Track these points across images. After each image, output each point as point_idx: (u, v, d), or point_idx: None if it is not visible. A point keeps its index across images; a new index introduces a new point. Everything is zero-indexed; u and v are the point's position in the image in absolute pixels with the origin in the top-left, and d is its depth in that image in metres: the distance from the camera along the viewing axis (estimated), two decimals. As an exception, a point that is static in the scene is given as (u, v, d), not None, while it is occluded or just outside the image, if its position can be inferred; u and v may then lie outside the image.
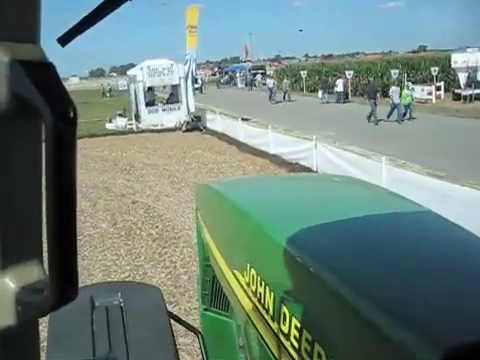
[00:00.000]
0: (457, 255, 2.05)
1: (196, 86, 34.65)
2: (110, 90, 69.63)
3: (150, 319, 2.52)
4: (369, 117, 26.77)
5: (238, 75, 74.13)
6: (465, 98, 33.00)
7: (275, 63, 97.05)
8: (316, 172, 14.43)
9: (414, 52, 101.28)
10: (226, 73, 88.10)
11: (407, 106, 26.61)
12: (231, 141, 22.20)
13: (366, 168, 12.74)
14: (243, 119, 24.95)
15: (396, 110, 26.27)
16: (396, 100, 26.43)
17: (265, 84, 62.50)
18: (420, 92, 34.60)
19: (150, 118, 29.28)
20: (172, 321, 2.74)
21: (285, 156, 17.40)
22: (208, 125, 27.22)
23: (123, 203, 13.07)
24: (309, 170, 15.03)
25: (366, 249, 2.13)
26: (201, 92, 56.60)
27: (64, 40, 0.78)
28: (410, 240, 2.21)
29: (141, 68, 29.53)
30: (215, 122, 26.56)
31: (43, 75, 0.53)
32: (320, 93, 42.31)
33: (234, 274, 2.78)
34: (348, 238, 2.24)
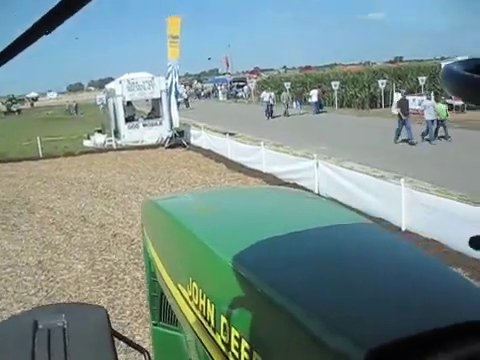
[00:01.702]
0: (387, 262, 2.17)
1: (179, 100, 32.99)
2: (76, 107, 66.43)
3: (92, 339, 2.44)
4: (397, 137, 22.50)
5: (219, 88, 73.02)
6: (457, 108, 31.91)
7: (254, 75, 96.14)
8: (318, 194, 12.90)
9: (391, 62, 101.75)
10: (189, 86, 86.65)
11: (441, 122, 22.66)
12: (218, 159, 20.64)
13: (379, 191, 11.24)
14: (229, 134, 23.56)
15: (428, 127, 22.36)
16: (431, 116, 22.32)
17: (250, 96, 61.63)
18: (411, 102, 33.31)
19: (130, 134, 27.74)
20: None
21: (281, 175, 15.81)
22: (192, 141, 25.67)
23: (102, 236, 11.33)
24: (309, 192, 13.51)
25: (301, 260, 2.19)
26: (187, 106, 54.75)
27: None
28: (344, 249, 2.32)
29: (120, 81, 27.93)
30: (200, 138, 24.97)
31: None
32: (294, 104, 42.48)
33: (178, 288, 2.83)
34: (284, 248, 2.32)
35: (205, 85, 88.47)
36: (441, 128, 22.69)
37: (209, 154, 22.08)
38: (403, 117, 22.59)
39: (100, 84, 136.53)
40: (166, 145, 25.57)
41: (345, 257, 2.20)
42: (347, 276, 1.97)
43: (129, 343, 3.09)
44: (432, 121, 22.27)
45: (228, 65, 77.00)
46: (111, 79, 38.44)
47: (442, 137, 22.54)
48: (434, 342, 1.42)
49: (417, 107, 32.29)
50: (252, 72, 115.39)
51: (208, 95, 76.65)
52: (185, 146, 25.06)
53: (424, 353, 1.40)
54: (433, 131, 22.33)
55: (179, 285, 2.81)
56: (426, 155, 18.71)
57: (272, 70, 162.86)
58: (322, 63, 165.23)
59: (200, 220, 3.18)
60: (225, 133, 23.10)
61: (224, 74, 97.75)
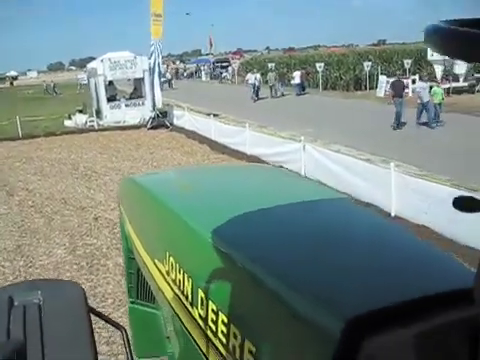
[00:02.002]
0: (364, 235, 2.20)
1: (163, 80, 32.24)
2: (54, 87, 64.83)
3: (68, 315, 2.37)
4: (398, 121, 21.33)
5: (202, 68, 72.45)
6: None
7: (237, 56, 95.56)
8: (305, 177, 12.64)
9: (375, 45, 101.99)
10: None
11: (438, 106, 21.60)
12: (202, 140, 20.27)
13: (368, 175, 10.99)
14: (213, 115, 23.19)
15: (425, 111, 21.14)
16: (426, 98, 21.07)
17: (233, 76, 61.02)
18: (396, 86, 33.05)
19: (112, 114, 27.14)
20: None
21: (266, 158, 15.40)
22: (175, 122, 25.25)
23: (84, 219, 10.99)
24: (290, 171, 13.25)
25: (278, 234, 2.20)
26: (170, 86, 53.63)
27: None
28: (321, 224, 2.35)
29: (102, 60, 27.22)
30: (183, 119, 24.56)
31: None
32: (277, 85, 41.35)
33: (155, 264, 2.81)
34: (260, 223, 2.33)
35: (187, 65, 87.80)
36: (436, 112, 21.61)
37: (192, 135, 21.70)
38: (395, 99, 21.71)
39: (81, 64, 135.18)
40: (148, 126, 25.11)
41: (321, 231, 2.23)
42: (324, 250, 1.99)
43: (105, 319, 3.01)
44: (427, 103, 21.18)
45: (211, 45, 76.09)
46: (92, 59, 37.77)
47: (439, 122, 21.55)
48: (411, 311, 1.44)
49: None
50: (235, 53, 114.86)
51: (191, 75, 75.98)
52: (168, 127, 24.65)
53: (402, 322, 1.42)
54: (432, 114, 21.27)
55: (156, 261, 2.81)
56: (416, 138, 18.46)
57: (255, 51, 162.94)
58: (305, 45, 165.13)
59: (178, 196, 3.20)
60: (209, 114, 22.76)
61: (207, 55, 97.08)
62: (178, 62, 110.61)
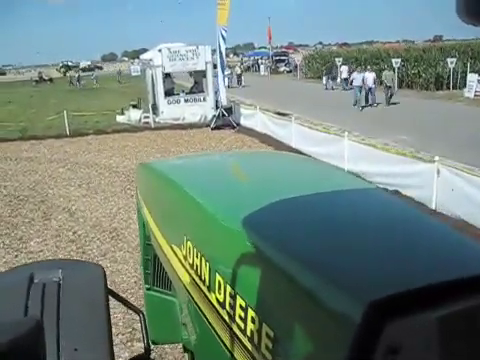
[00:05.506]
0: (387, 221, 2.12)
1: (227, 73, 28.49)
2: (79, 78, 61.62)
3: (86, 295, 2.32)
4: None
5: (261, 61, 69.54)
6: None
7: (290, 50, 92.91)
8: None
9: (431, 41, 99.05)
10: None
11: None
12: (279, 146, 16.80)
13: None
14: (280, 113, 20.10)
15: None
16: None
17: (289, 71, 57.17)
18: (486, 85, 29.10)
19: (170, 110, 24.08)
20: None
21: (373, 178, 11.62)
22: (243, 122, 21.98)
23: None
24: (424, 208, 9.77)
25: (296, 218, 2.15)
26: (239, 83, 48.38)
27: None
28: (342, 209, 2.27)
29: (159, 50, 24.13)
30: (253, 119, 21.20)
31: None
32: (324, 79, 40.49)
33: (172, 249, 2.78)
34: (278, 207, 2.25)
35: (244, 59, 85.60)
36: None
37: (267, 140, 18.36)
38: None
39: (134, 55, 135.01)
40: (212, 125, 21.95)
41: (342, 216, 2.15)
42: (345, 234, 1.93)
43: (124, 302, 2.80)
44: None
45: (270, 38, 72.27)
46: (145, 50, 34.84)
47: None
48: (434, 296, 1.38)
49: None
50: (287, 47, 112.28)
51: (247, 69, 72.81)
52: (234, 127, 21.44)
53: (424, 307, 1.35)
54: None
55: (173, 245, 2.76)
56: None
57: (307, 46, 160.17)
58: (356, 40, 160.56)
59: (195, 181, 3.15)
60: (285, 114, 19.49)
61: (260, 48, 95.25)
62: (232, 55, 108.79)
